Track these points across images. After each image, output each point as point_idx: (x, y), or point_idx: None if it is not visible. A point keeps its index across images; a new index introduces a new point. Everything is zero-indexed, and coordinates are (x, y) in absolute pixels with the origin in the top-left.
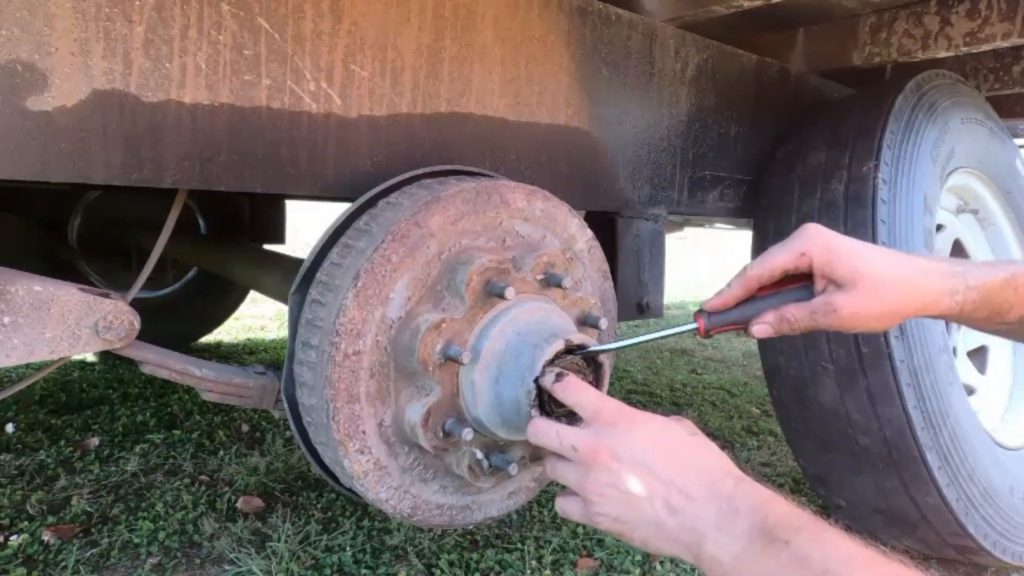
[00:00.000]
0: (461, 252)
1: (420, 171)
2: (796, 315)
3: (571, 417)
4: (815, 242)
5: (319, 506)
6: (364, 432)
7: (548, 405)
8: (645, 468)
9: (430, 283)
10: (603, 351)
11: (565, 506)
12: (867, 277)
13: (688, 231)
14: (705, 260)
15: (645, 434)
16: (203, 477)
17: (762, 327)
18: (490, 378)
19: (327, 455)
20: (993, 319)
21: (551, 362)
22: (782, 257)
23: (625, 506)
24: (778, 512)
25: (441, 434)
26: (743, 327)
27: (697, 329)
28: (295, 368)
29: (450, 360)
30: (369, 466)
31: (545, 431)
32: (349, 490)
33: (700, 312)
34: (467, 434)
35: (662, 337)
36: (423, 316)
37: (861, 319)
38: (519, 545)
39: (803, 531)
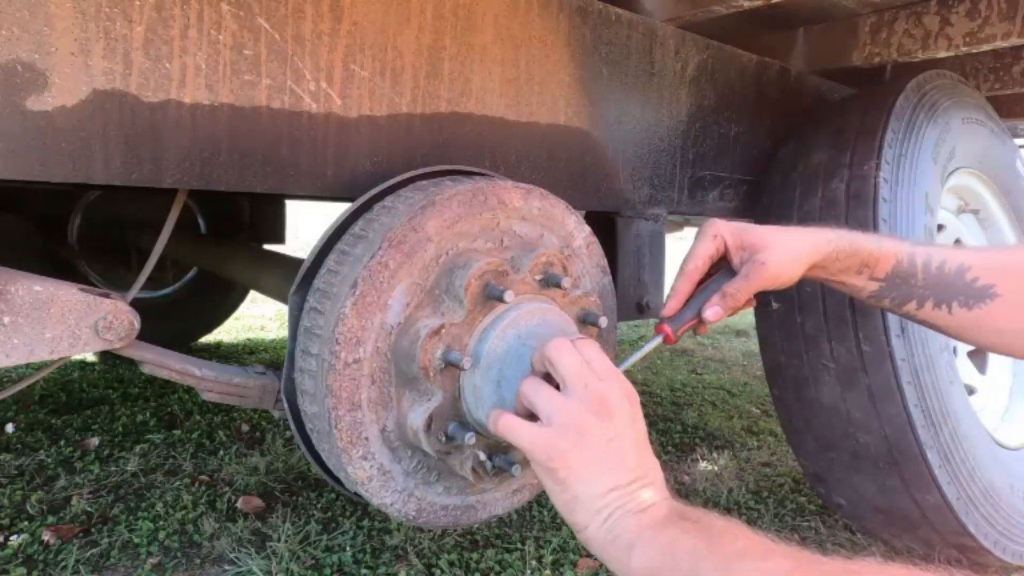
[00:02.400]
0: (459, 255)
1: (416, 172)
2: (735, 286)
3: None
4: (721, 227)
5: (319, 506)
6: (367, 439)
7: None
8: (636, 445)
9: (428, 287)
10: None
11: (515, 424)
12: (770, 237)
13: (688, 231)
14: None
15: (643, 424)
16: (203, 477)
17: (713, 310)
18: (491, 381)
19: (331, 461)
20: (864, 272)
21: None
22: (702, 246)
23: (593, 459)
24: (694, 509)
25: (444, 438)
26: (698, 320)
27: (666, 338)
28: (296, 375)
29: (450, 365)
30: (373, 472)
31: (568, 350)
32: (354, 493)
33: (660, 322)
34: (470, 438)
35: (638, 359)
36: (422, 321)
37: (781, 267)
38: (519, 545)
39: (711, 514)
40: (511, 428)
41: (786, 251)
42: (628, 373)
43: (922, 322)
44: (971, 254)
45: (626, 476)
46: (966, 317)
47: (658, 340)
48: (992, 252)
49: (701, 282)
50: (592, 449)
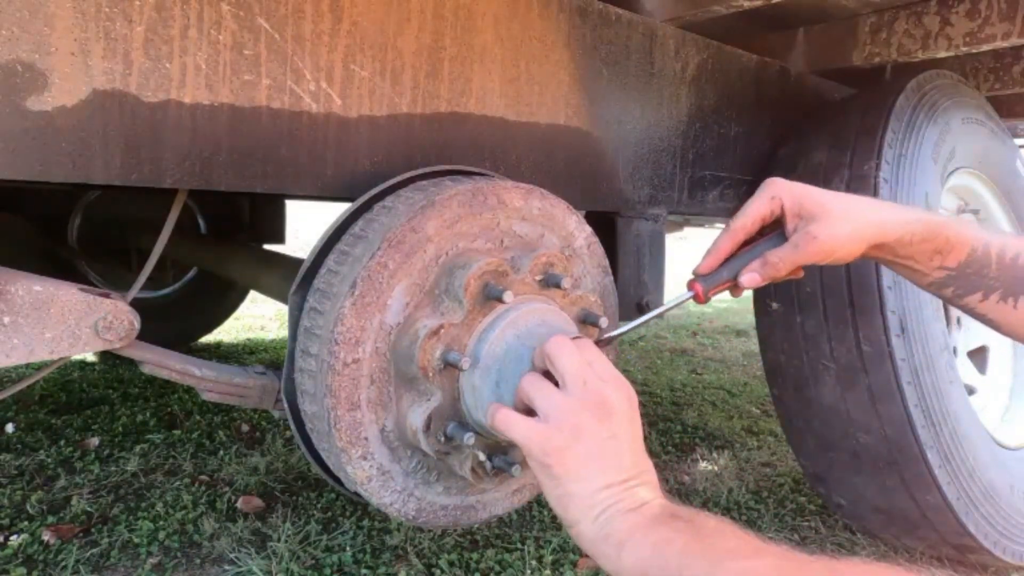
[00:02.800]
0: (459, 255)
1: (416, 172)
2: (779, 255)
3: None
4: (781, 187)
5: (319, 506)
6: (366, 439)
7: None
8: (632, 446)
9: (428, 288)
10: (610, 338)
11: (512, 418)
12: (832, 206)
13: (688, 231)
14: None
15: (640, 427)
16: (203, 477)
17: (750, 276)
18: (491, 382)
19: (330, 461)
20: (935, 259)
21: None
22: (757, 204)
23: (588, 456)
24: (686, 509)
25: (443, 438)
26: (733, 283)
27: (695, 296)
28: (296, 375)
29: (449, 365)
30: (372, 472)
31: (569, 348)
32: (354, 492)
33: (694, 279)
34: (469, 438)
35: (662, 313)
36: (421, 322)
37: (836, 242)
38: (519, 545)
39: (702, 513)
40: (508, 422)
41: (845, 227)
42: (628, 373)
43: (979, 316)
44: None
45: (620, 475)
46: None
47: (687, 296)
48: None
49: (749, 242)
50: (587, 446)
